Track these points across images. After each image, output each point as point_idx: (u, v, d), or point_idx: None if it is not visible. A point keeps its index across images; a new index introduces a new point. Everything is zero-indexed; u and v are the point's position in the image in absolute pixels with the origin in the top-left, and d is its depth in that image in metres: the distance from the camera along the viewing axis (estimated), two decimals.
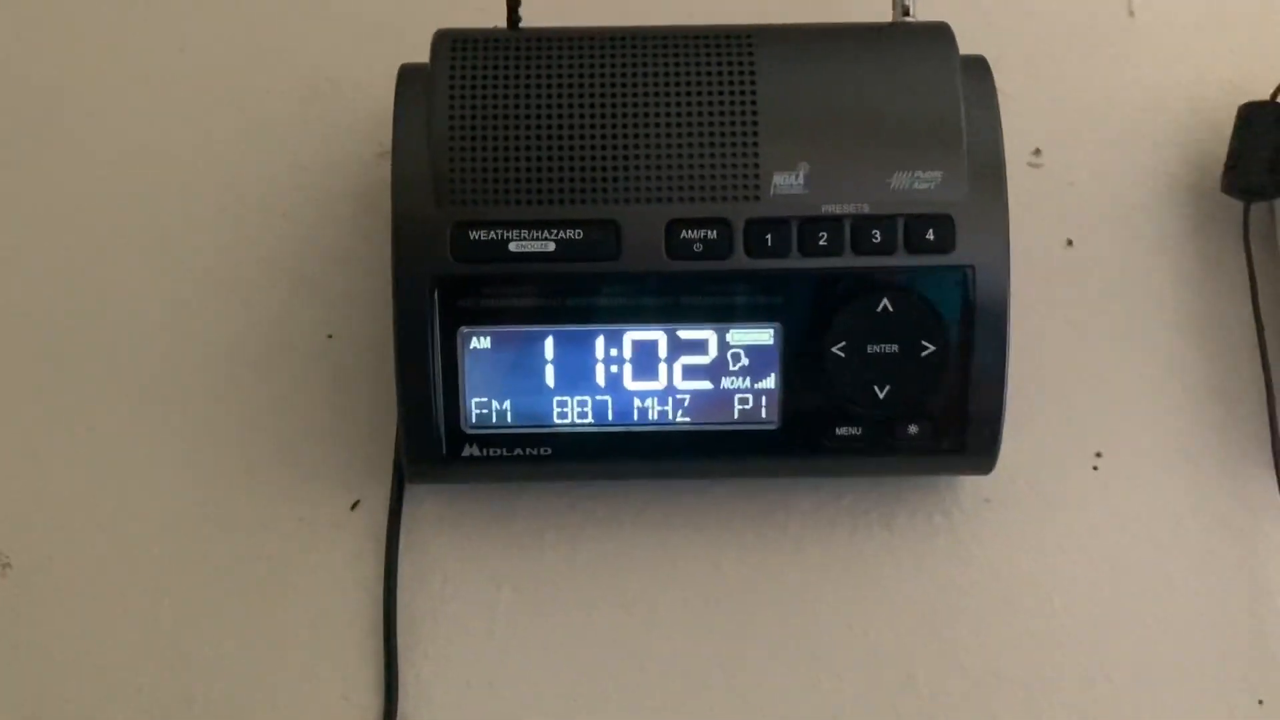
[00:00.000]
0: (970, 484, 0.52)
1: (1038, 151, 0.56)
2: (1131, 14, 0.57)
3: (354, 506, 0.52)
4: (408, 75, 0.48)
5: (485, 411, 0.47)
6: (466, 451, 0.48)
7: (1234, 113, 0.53)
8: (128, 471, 0.52)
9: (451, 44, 0.48)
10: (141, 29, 0.56)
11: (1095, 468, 0.52)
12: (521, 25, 0.50)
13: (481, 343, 0.47)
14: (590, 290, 0.46)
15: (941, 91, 0.47)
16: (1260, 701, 0.50)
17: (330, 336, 0.53)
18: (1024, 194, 0.53)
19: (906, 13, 0.50)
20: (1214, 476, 0.52)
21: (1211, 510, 0.52)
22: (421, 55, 0.48)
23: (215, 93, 0.56)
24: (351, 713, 0.50)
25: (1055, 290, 0.54)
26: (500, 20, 0.50)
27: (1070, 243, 0.55)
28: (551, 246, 0.46)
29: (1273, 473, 0.50)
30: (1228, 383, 0.53)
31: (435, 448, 0.47)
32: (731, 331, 0.47)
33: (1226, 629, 0.51)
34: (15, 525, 0.51)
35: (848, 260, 0.46)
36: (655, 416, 0.48)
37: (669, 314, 0.47)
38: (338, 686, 0.50)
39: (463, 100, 0.47)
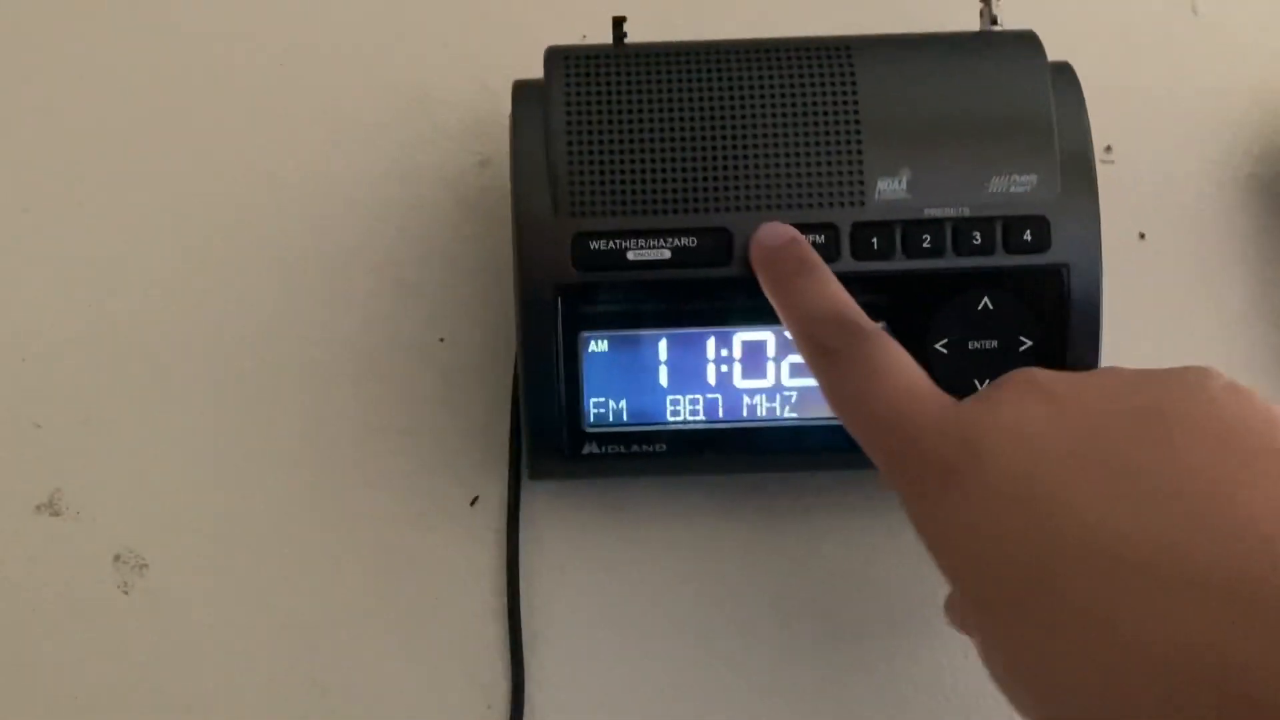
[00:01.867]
0: None
1: (1109, 149, 0.58)
2: (1196, 12, 0.60)
3: (473, 503, 0.54)
4: (522, 91, 0.50)
5: (603, 411, 0.50)
6: (587, 449, 0.50)
7: None
8: (254, 474, 0.54)
9: (565, 60, 0.50)
10: (243, 44, 0.59)
11: None
12: (626, 41, 0.52)
13: (600, 346, 0.49)
14: (703, 295, 0.49)
15: (1033, 97, 0.49)
16: None
17: (442, 340, 0.56)
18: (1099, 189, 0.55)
19: (995, 22, 0.52)
20: None
21: None
22: (503, 71, 0.51)
23: (316, 104, 0.58)
24: (480, 696, 0.52)
25: (1129, 282, 0.56)
26: (576, 38, 0.52)
27: (1143, 236, 0.57)
28: (667, 254, 0.48)
29: None
30: None
31: (558, 446, 0.50)
32: None
33: None
34: (149, 527, 0.54)
35: (949, 261, 0.48)
36: (764, 413, 0.50)
37: (778, 316, 0.49)
38: (465, 672, 0.53)
39: (578, 114, 0.49)
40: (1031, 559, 0.35)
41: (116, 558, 0.54)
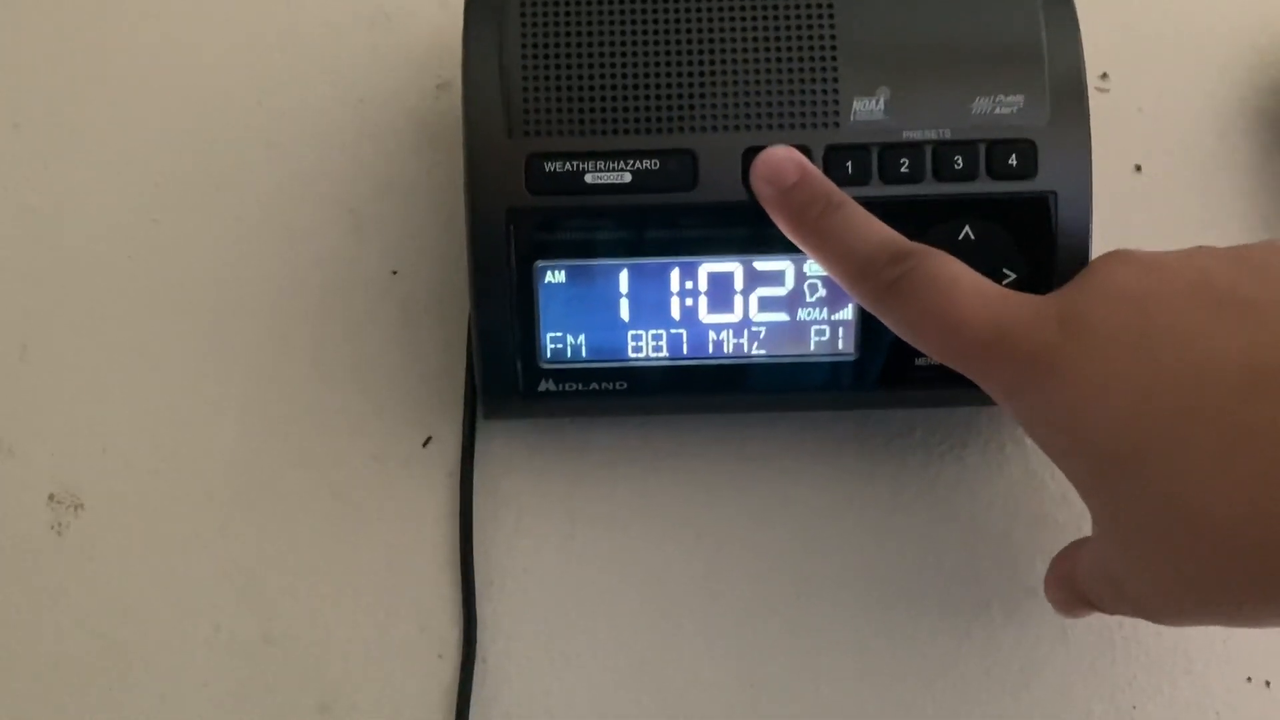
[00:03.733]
0: None
1: (1104, 76, 0.55)
2: None
3: (426, 443, 0.51)
4: (476, 4, 0.47)
5: (560, 346, 0.47)
6: (542, 387, 0.47)
7: None
8: (196, 412, 0.52)
9: None
10: None
11: None
12: None
13: (556, 276, 0.46)
14: (667, 222, 0.46)
15: (1022, 14, 0.46)
16: None
17: (395, 273, 0.53)
18: (1093, 119, 0.52)
19: None
20: None
21: None
22: None
23: (267, 26, 0.55)
24: (430, 645, 0.50)
25: (1125, 216, 0.53)
26: None
27: (1139, 168, 0.54)
28: (628, 178, 0.45)
29: None
30: None
31: (512, 384, 0.47)
32: (809, 262, 0.46)
33: None
34: (85, 467, 0.51)
35: (929, 187, 0.45)
36: (731, 349, 0.47)
37: (746, 245, 0.46)
38: (415, 621, 0.50)
39: (534, 29, 0.46)
40: (1170, 397, 0.35)
41: (51, 497, 0.51)
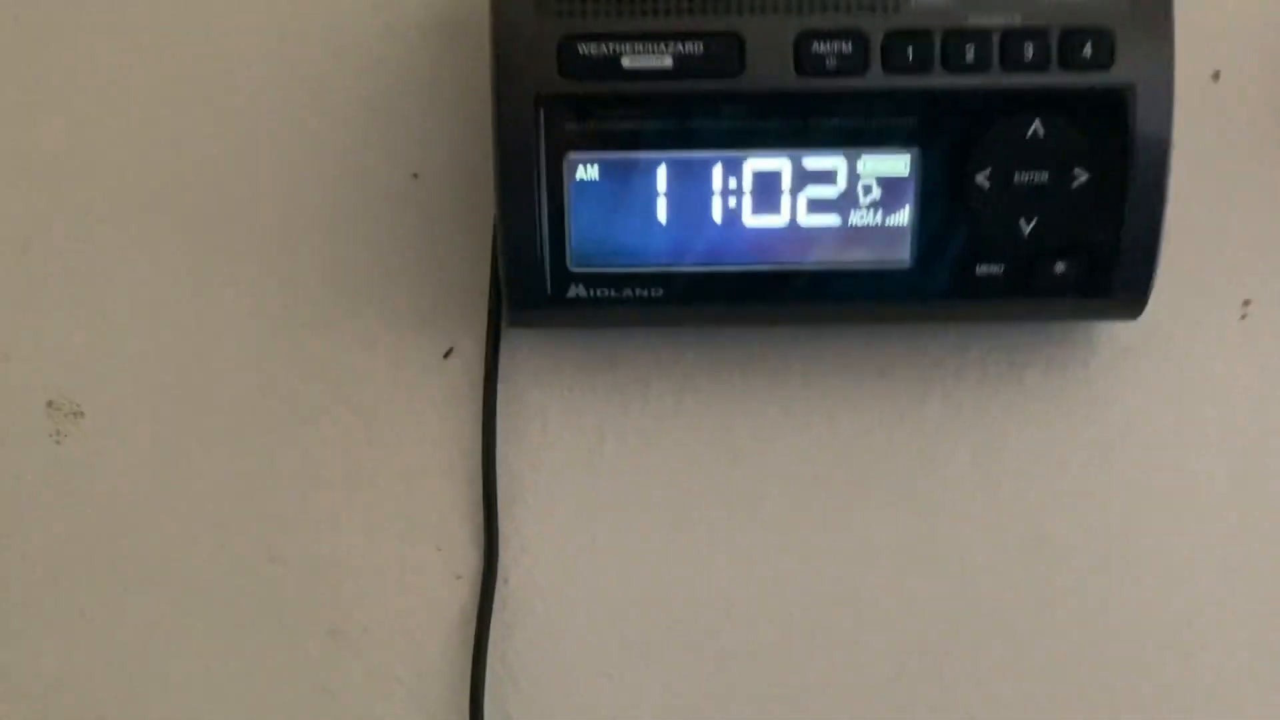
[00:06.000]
0: (1108, 333, 0.48)
1: None
2: None
3: (447, 355, 0.48)
4: None
5: (592, 248, 0.44)
6: (572, 292, 0.44)
7: None
8: (202, 319, 0.49)
9: None
10: None
11: (1243, 317, 0.49)
12: None
13: (589, 172, 0.43)
14: (710, 111, 0.42)
15: None
16: None
17: (416, 175, 0.49)
18: None
19: None
20: None
21: None
22: None
23: None
24: (448, 565, 0.47)
25: (1201, 126, 0.49)
26: None
27: (1217, 76, 0.50)
28: (668, 62, 0.42)
29: None
30: None
31: (539, 288, 0.44)
32: (863, 158, 0.43)
33: None
34: (86, 373, 0.48)
35: (995, 78, 0.42)
36: (777, 256, 0.44)
37: (795, 138, 0.43)
38: (433, 539, 0.47)
39: None
40: None
41: (50, 404, 0.48)
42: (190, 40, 0.50)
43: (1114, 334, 0.48)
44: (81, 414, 0.48)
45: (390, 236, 0.49)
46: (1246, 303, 0.49)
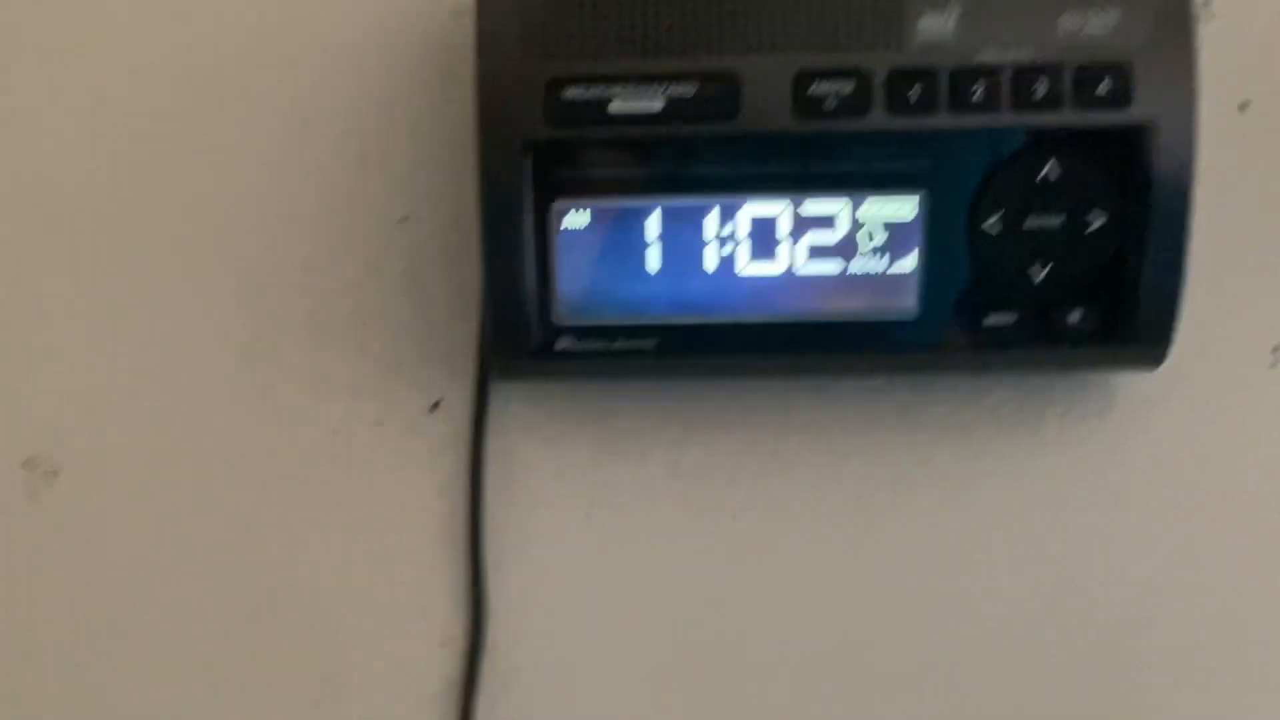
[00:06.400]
0: (1128, 383, 0.46)
1: (1207, 1, 0.48)
2: None
3: (434, 407, 0.46)
4: None
5: (581, 299, 0.42)
6: (560, 345, 0.42)
7: None
8: (186, 370, 0.47)
9: None
10: None
11: (1274, 365, 0.46)
12: None
13: (578, 219, 0.41)
14: (704, 156, 0.40)
15: None
16: None
17: (405, 219, 0.48)
18: None
19: None
20: None
21: None
22: None
23: None
24: (432, 632, 0.45)
25: (1228, 160, 0.47)
26: None
27: (1244, 106, 0.48)
28: (659, 105, 0.40)
29: None
30: None
31: (525, 340, 0.42)
32: (866, 203, 0.40)
33: None
34: (65, 431, 0.47)
35: (1006, 117, 0.39)
36: (775, 306, 0.42)
37: (794, 183, 0.41)
38: (416, 604, 0.45)
39: None
40: None
41: (26, 462, 0.47)
42: (177, 80, 0.49)
43: (1135, 383, 0.46)
44: (57, 472, 0.46)
45: (377, 281, 0.47)
46: (1277, 349, 0.46)
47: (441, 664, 0.45)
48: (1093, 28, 0.39)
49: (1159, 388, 0.46)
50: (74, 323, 0.47)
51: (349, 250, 0.47)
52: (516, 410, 0.46)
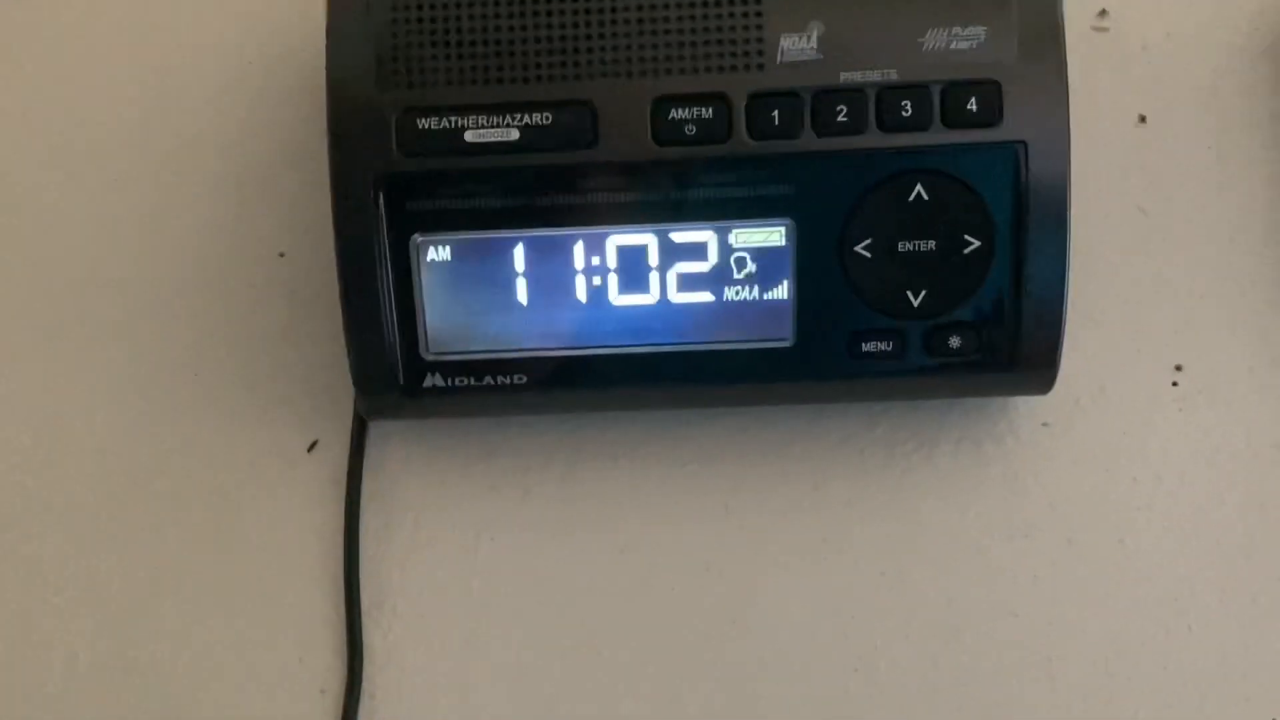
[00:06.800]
0: (1026, 406, 0.45)
1: (1103, 13, 0.47)
2: None
3: (311, 447, 0.45)
4: None
5: (448, 334, 0.41)
6: (428, 382, 0.41)
7: None
8: (61, 408, 0.46)
9: None
10: None
11: (1175, 384, 0.45)
12: None
13: (440, 253, 0.40)
14: (563, 186, 0.39)
15: None
16: None
17: (282, 255, 0.47)
18: (1087, 62, 0.46)
19: None
20: None
21: None
22: None
23: None
24: (311, 678, 0.44)
25: (1125, 175, 0.46)
26: None
27: (1143, 119, 0.46)
28: (515, 135, 0.39)
29: None
30: None
31: (391, 379, 0.41)
32: (735, 231, 0.39)
33: None
34: None
35: (872, 139, 0.38)
36: (647, 336, 0.40)
37: (659, 212, 0.39)
38: (294, 649, 0.44)
39: None
40: None
41: None
42: (53, 116, 0.48)
43: (1032, 407, 0.44)
44: None
45: (254, 318, 0.46)
46: (1178, 368, 0.45)
47: (322, 710, 0.44)
48: (959, 45, 0.38)
49: (1057, 411, 0.45)
50: None
51: (228, 286, 0.47)
52: (395, 448, 0.45)
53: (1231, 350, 0.45)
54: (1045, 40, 0.38)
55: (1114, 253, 0.45)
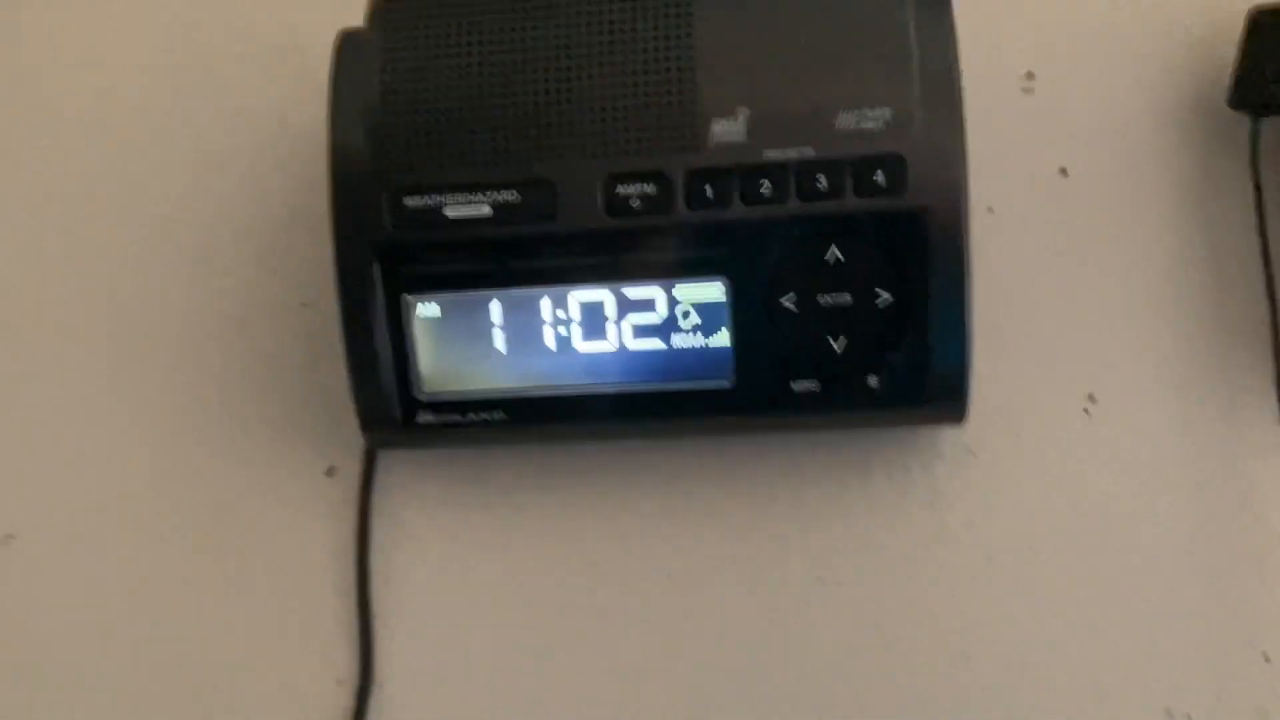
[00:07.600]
0: (952, 433, 0.50)
1: (1030, 75, 0.52)
2: None
3: (329, 473, 0.52)
4: (347, 41, 0.47)
5: (438, 377, 0.47)
6: (422, 418, 0.48)
7: (1243, 19, 0.48)
8: (101, 441, 0.54)
9: (387, 6, 0.47)
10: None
11: (1087, 410, 0.49)
12: None
13: (428, 309, 0.47)
14: (531, 252, 0.45)
15: (889, 21, 0.44)
16: (1266, 658, 0.47)
17: (304, 305, 0.54)
18: (1015, 122, 0.50)
19: None
20: (1216, 418, 0.48)
21: (1215, 454, 0.48)
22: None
23: (177, 52, 0.55)
24: (329, 676, 0.51)
25: (1048, 223, 0.51)
26: None
27: (1064, 172, 0.51)
28: (488, 210, 0.45)
29: (1275, 409, 0.47)
30: (1230, 316, 0.49)
31: (390, 415, 0.47)
32: (678, 288, 0.45)
33: (1230, 582, 0.48)
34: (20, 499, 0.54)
35: (793, 208, 0.44)
36: (608, 378, 0.47)
37: (613, 273, 0.46)
38: (316, 652, 0.51)
39: (397, 63, 0.46)
40: None
41: None
42: (94, 167, 0.55)
43: (957, 434, 0.49)
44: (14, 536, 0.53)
45: (280, 360, 0.53)
46: (1090, 397, 0.49)
47: (340, 698, 0.51)
48: (867, 125, 0.43)
49: (980, 437, 0.49)
50: (14, 410, 0.54)
51: (256, 333, 0.54)
52: (402, 475, 0.52)
53: (1139, 379, 0.49)
54: (945, 118, 0.43)
55: (1033, 291, 0.50)
